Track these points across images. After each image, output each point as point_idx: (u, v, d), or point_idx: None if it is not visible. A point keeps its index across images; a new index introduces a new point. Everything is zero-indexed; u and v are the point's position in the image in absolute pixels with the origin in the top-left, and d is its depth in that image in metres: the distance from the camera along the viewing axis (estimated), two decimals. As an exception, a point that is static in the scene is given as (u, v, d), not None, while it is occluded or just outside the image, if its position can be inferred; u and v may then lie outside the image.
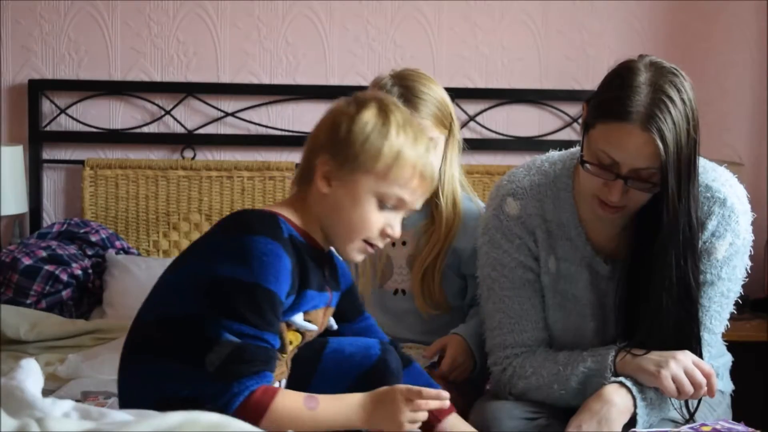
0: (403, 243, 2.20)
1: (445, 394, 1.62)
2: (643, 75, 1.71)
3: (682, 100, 1.71)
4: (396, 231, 1.67)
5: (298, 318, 1.65)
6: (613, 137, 1.71)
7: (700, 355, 1.81)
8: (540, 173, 1.96)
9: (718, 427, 1.76)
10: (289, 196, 1.73)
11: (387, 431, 1.59)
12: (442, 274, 2.17)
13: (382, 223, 1.65)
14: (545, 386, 1.87)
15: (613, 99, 1.72)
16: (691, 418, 1.84)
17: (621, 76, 1.74)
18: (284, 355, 1.68)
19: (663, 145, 1.67)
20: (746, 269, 1.90)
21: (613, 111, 1.71)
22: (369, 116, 1.63)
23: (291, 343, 1.68)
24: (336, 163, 1.63)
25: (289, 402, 1.55)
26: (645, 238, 1.80)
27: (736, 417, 1.94)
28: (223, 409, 1.46)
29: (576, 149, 1.92)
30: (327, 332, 1.80)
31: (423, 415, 1.60)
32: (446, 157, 2.17)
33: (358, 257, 1.69)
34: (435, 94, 2.13)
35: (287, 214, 1.66)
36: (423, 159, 1.64)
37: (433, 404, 1.60)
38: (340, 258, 1.76)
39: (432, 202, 2.18)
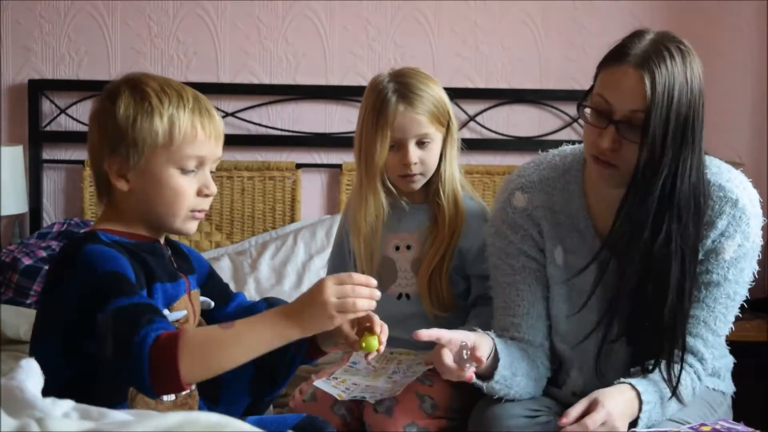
0: (408, 247, 2.20)
1: (373, 281, 1.54)
2: (652, 34, 1.78)
3: (684, 62, 1.75)
4: (211, 187, 1.65)
5: (165, 313, 1.62)
6: (610, 79, 1.77)
7: (682, 346, 1.81)
8: (550, 167, 1.97)
9: (717, 427, 1.75)
10: (102, 212, 1.71)
11: (320, 327, 1.50)
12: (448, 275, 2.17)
13: (195, 186, 1.63)
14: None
15: (617, 46, 1.80)
16: (674, 393, 1.83)
17: (631, 33, 1.81)
18: None
19: (651, 85, 1.71)
20: (753, 274, 1.89)
21: (614, 55, 1.79)
22: (125, 100, 1.61)
23: None
24: (121, 158, 1.61)
25: (201, 330, 1.51)
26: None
27: (737, 417, 1.94)
28: (137, 368, 1.41)
29: None
30: (206, 312, 1.78)
31: (352, 303, 1.49)
32: (445, 156, 2.17)
33: (192, 227, 1.66)
34: (431, 91, 2.12)
35: (104, 226, 1.64)
36: (195, 110, 1.63)
37: (363, 290, 1.50)
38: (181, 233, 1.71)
39: (434, 203, 2.18)
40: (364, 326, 1.67)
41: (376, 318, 1.67)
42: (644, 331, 1.82)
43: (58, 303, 1.58)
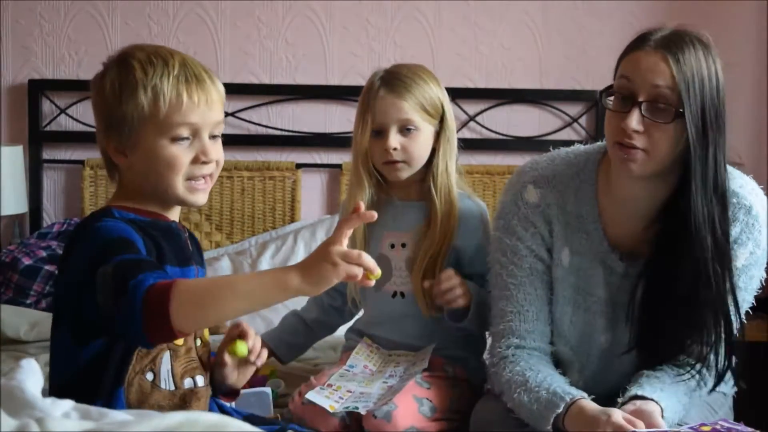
0: (403, 245, 2.19)
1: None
2: (672, 27, 1.78)
3: (707, 52, 1.74)
4: (210, 154, 1.59)
5: None
6: (632, 61, 1.75)
7: (708, 360, 1.80)
8: (564, 163, 1.93)
9: (717, 426, 1.75)
10: (113, 193, 1.68)
11: (322, 275, 1.39)
12: None
13: (190, 155, 1.59)
14: (517, 399, 1.83)
15: (637, 36, 1.78)
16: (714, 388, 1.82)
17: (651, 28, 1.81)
18: (179, 344, 1.61)
19: (676, 65, 1.70)
20: (761, 281, 1.88)
21: (634, 42, 1.77)
22: (112, 75, 1.59)
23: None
24: (116, 134, 1.59)
25: (197, 279, 1.48)
26: (669, 236, 1.77)
27: (737, 417, 1.94)
28: (131, 312, 1.39)
29: (603, 143, 1.90)
30: None
31: (357, 253, 1.40)
32: (438, 151, 2.16)
33: (198, 198, 1.62)
34: (421, 81, 2.13)
35: (117, 203, 1.63)
36: (181, 77, 1.58)
37: (366, 259, 1.41)
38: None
39: (427, 201, 2.17)
40: (234, 335, 1.67)
41: (248, 326, 1.66)
42: (658, 337, 1.80)
43: (70, 269, 1.57)
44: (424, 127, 2.13)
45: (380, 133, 2.13)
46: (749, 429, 1.73)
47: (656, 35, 1.74)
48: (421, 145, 2.13)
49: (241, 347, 1.64)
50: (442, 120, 2.16)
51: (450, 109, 2.19)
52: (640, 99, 1.71)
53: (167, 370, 1.60)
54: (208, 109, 1.59)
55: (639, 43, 1.75)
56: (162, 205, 1.64)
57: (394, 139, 2.11)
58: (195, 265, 1.67)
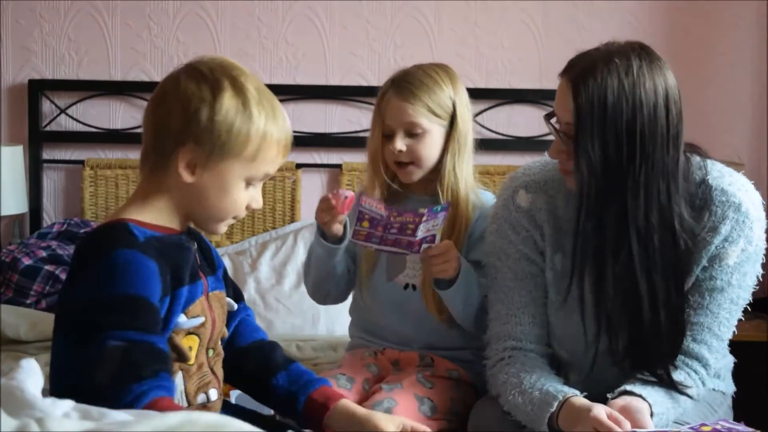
0: None
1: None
2: (615, 44, 1.78)
3: (629, 73, 1.71)
4: (259, 202, 1.64)
5: (182, 319, 1.57)
6: (557, 90, 1.82)
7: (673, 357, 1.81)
8: (555, 169, 1.94)
9: (718, 427, 1.75)
10: (138, 188, 1.62)
11: None
12: None
13: (248, 199, 1.62)
14: (512, 402, 1.84)
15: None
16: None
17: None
18: (190, 363, 1.59)
19: (574, 97, 1.73)
20: (757, 277, 1.88)
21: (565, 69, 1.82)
22: (228, 100, 1.54)
23: (191, 348, 1.60)
24: (202, 153, 1.55)
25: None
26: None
27: (737, 417, 1.94)
28: (118, 404, 1.37)
29: None
30: (229, 313, 1.74)
31: None
32: (447, 151, 2.15)
33: (222, 231, 1.66)
34: (432, 83, 2.12)
35: (137, 215, 1.57)
36: (284, 132, 1.60)
37: None
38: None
39: (437, 197, 2.17)
40: None
41: None
42: (640, 340, 1.81)
43: (76, 291, 1.52)
44: (432, 128, 2.12)
45: (390, 136, 2.14)
46: (749, 429, 1.73)
47: (580, 59, 1.77)
48: (428, 147, 2.13)
49: None
50: (453, 120, 2.15)
51: (465, 109, 2.17)
52: (560, 128, 1.79)
53: (181, 391, 1.58)
54: (274, 166, 1.62)
55: (566, 66, 1.80)
56: (184, 223, 1.63)
57: (401, 143, 2.11)
58: (203, 276, 1.65)
